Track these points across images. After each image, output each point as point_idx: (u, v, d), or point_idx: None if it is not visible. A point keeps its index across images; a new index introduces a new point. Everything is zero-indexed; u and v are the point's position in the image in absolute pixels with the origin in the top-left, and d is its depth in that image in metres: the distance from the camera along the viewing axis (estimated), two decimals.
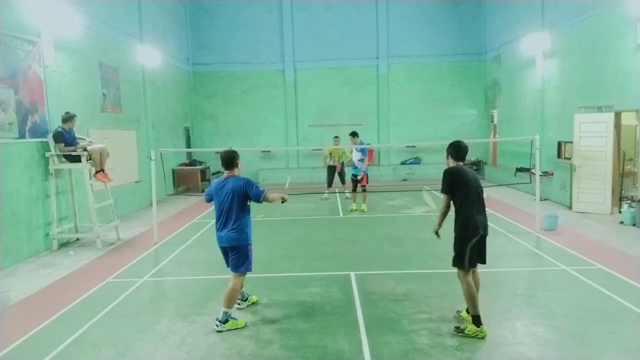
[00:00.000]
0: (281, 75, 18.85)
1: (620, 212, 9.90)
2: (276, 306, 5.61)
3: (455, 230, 4.77)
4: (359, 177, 11.51)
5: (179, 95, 17.28)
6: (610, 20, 10.26)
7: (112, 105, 11.72)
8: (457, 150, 4.93)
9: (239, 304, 5.51)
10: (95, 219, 8.70)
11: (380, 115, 18.93)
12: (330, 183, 13.55)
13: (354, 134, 11.79)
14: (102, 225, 9.11)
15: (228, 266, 5.21)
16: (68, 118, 8.60)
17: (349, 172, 12.30)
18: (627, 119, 10.41)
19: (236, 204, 5.00)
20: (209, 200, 5.28)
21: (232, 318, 5.05)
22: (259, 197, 5.01)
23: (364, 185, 11.58)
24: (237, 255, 5.07)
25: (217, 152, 17.91)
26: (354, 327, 4.96)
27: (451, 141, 5.04)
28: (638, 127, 10.11)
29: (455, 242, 4.77)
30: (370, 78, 18.85)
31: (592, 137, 10.50)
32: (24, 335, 4.97)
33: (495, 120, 17.70)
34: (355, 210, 11.64)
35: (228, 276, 6.69)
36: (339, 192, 13.95)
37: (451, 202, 4.81)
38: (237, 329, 4.98)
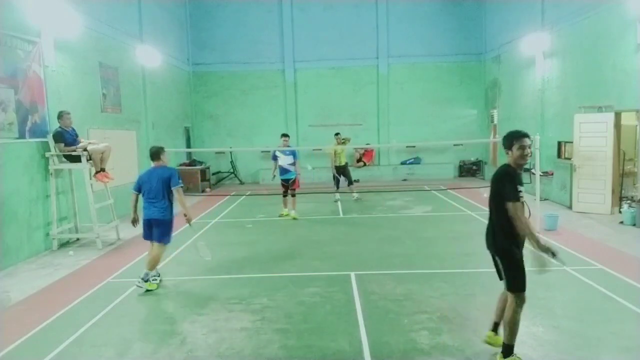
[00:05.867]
0: (281, 75, 18.85)
1: (620, 212, 9.90)
2: (276, 306, 5.61)
3: (506, 244, 4.02)
4: (290, 182, 10.96)
5: (179, 95, 17.28)
6: (610, 20, 10.26)
7: (112, 105, 11.71)
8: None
9: (154, 279, 6.32)
10: (95, 219, 8.70)
11: (380, 115, 18.93)
12: (338, 185, 13.34)
13: (285, 135, 11.23)
14: (102, 225, 9.10)
15: (152, 239, 6.37)
16: (59, 115, 8.62)
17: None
18: (627, 119, 10.40)
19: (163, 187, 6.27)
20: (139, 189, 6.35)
21: (153, 279, 6.22)
22: (176, 186, 6.31)
23: (295, 189, 11.03)
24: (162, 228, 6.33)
25: (217, 152, 18.29)
26: (354, 327, 4.96)
27: (510, 131, 4.08)
28: (638, 127, 10.10)
29: (509, 260, 4.00)
30: (370, 78, 18.85)
31: (592, 137, 10.49)
32: (24, 335, 4.97)
33: (496, 120, 17.69)
34: (286, 215, 11.12)
35: (228, 276, 6.69)
36: (345, 193, 13.91)
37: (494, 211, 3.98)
38: (150, 290, 6.10)
